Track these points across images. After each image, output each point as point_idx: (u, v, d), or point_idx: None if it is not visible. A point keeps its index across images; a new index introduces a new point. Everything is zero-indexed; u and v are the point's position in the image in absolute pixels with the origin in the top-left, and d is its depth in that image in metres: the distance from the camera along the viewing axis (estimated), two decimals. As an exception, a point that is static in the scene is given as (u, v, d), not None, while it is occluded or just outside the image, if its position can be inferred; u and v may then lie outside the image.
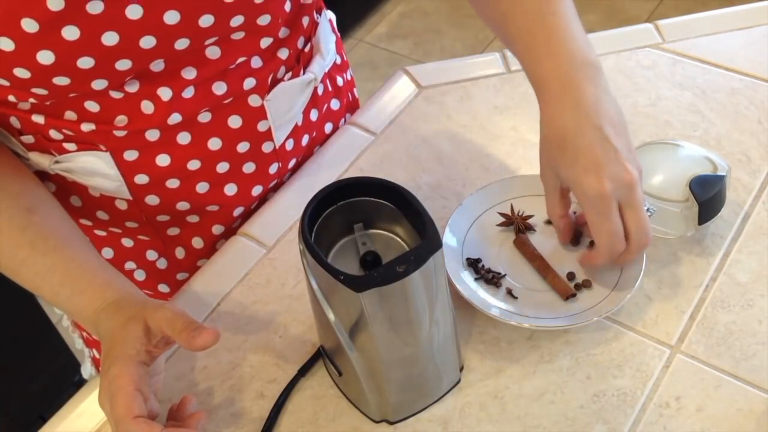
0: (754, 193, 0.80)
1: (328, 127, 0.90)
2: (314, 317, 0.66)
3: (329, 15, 0.87)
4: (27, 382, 1.63)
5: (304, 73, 0.79)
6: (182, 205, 0.78)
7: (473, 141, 0.88)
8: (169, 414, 0.65)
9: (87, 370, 1.02)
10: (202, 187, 0.78)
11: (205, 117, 0.72)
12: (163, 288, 0.89)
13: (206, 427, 0.67)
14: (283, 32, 0.74)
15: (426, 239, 0.57)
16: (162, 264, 0.86)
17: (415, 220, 0.60)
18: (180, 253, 0.85)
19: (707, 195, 0.72)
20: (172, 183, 0.76)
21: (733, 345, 0.69)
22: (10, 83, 0.61)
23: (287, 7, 0.72)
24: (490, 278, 0.73)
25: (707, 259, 0.75)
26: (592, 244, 0.73)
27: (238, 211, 0.83)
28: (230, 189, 0.80)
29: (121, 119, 0.68)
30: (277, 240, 0.81)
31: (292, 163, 0.85)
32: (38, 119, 0.69)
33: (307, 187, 0.84)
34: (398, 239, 0.63)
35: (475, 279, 0.73)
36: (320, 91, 0.85)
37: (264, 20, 0.69)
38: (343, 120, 0.93)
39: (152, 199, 0.77)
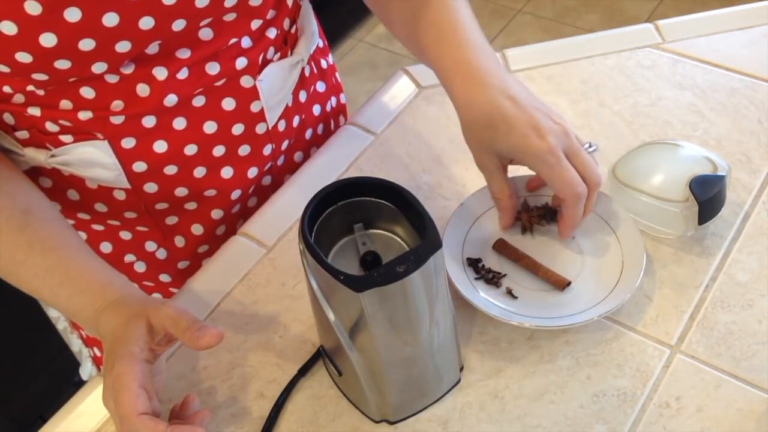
0: (754, 193, 0.80)
1: (316, 109, 0.91)
2: (314, 317, 0.66)
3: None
4: (27, 382, 1.63)
5: (291, 54, 0.80)
6: (181, 191, 0.79)
7: (473, 141, 0.88)
8: (172, 413, 0.65)
9: (87, 370, 1.02)
10: (199, 172, 0.78)
11: (199, 101, 0.73)
12: (164, 278, 0.89)
13: (206, 426, 0.67)
14: (270, 13, 0.75)
15: (426, 239, 0.57)
16: (162, 254, 0.86)
17: (415, 220, 0.60)
18: (179, 241, 0.85)
19: (707, 195, 0.73)
20: (170, 169, 0.76)
21: (733, 345, 0.69)
22: (11, 69, 0.61)
23: None
24: (490, 278, 0.73)
25: (707, 259, 0.75)
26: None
27: (235, 195, 0.83)
28: (227, 172, 0.80)
29: (118, 104, 0.69)
30: (277, 240, 0.81)
31: (284, 145, 0.85)
32: (34, 111, 0.69)
33: (307, 187, 0.84)
34: (398, 239, 0.63)
35: (475, 279, 0.73)
36: (307, 73, 0.86)
37: (256, 1, 0.70)
38: (329, 103, 0.94)
39: (151, 187, 0.77)
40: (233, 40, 0.72)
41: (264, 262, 0.79)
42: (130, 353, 0.60)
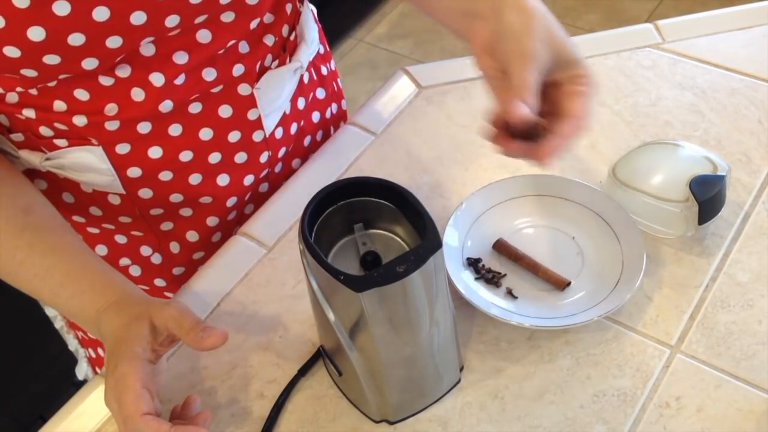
0: (754, 193, 0.80)
1: (315, 116, 0.90)
2: (314, 317, 0.66)
3: (311, 6, 0.87)
4: (27, 382, 1.63)
5: (290, 61, 0.80)
6: (175, 198, 0.78)
7: (473, 141, 0.88)
8: (173, 414, 0.65)
9: (82, 370, 1.02)
10: (194, 179, 0.78)
11: (195, 107, 0.73)
12: (159, 282, 0.89)
13: (209, 427, 0.67)
14: (268, 17, 0.75)
15: (426, 239, 0.57)
16: (156, 259, 0.86)
17: (415, 220, 0.60)
18: (174, 247, 0.85)
19: (707, 195, 0.72)
20: (165, 175, 0.76)
21: (733, 345, 0.69)
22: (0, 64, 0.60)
23: None
24: (490, 278, 0.73)
25: (707, 259, 0.75)
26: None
27: (231, 202, 0.83)
28: (223, 179, 0.80)
29: (111, 107, 0.68)
30: (277, 240, 0.81)
31: (282, 152, 0.85)
32: (29, 113, 0.69)
33: (307, 187, 0.84)
34: (398, 239, 0.63)
35: (475, 279, 0.73)
36: (306, 80, 0.86)
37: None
38: (329, 110, 0.93)
39: (145, 193, 0.77)
40: (231, 42, 0.71)
41: (264, 262, 0.79)
42: (134, 354, 0.60)
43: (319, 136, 0.92)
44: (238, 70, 0.73)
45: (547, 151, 0.62)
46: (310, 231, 0.59)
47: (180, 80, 0.69)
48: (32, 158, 0.73)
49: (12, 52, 0.59)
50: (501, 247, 0.75)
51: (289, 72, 0.79)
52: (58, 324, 0.99)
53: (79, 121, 0.69)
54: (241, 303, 0.76)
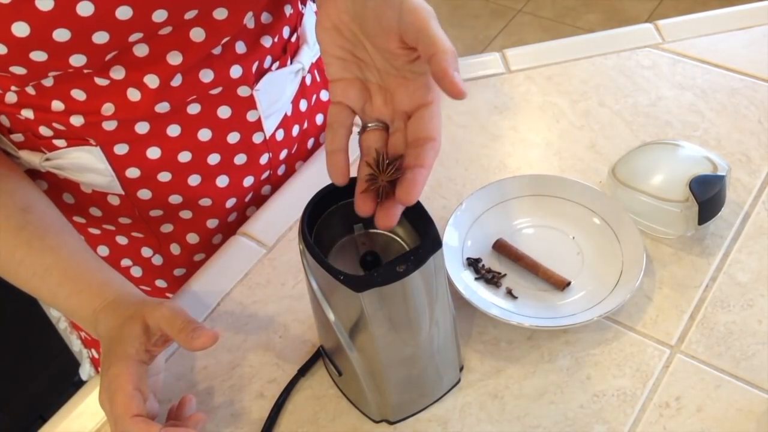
0: (754, 193, 0.80)
1: (319, 119, 0.90)
2: (314, 317, 0.66)
3: (315, 7, 0.87)
4: (27, 382, 1.63)
5: (291, 63, 0.79)
6: (175, 199, 0.78)
7: (473, 141, 0.88)
8: (169, 414, 0.65)
9: (86, 371, 1.02)
10: (193, 180, 0.78)
11: (194, 108, 0.72)
12: (160, 283, 0.89)
13: (206, 427, 0.67)
14: (265, 17, 0.74)
15: (426, 239, 0.57)
16: (157, 260, 0.86)
17: (415, 220, 0.60)
18: (175, 249, 0.85)
19: (707, 195, 0.72)
20: (164, 176, 0.76)
21: (733, 345, 0.69)
22: None
23: None
24: (490, 278, 0.73)
25: (707, 259, 0.75)
26: None
27: (230, 203, 0.83)
28: (222, 181, 0.80)
29: (108, 107, 0.68)
30: (277, 240, 0.81)
31: (283, 154, 0.85)
32: (27, 114, 0.69)
33: (307, 187, 0.83)
34: (398, 239, 0.63)
35: (475, 279, 0.73)
36: (308, 81, 0.85)
37: None
38: None
39: (144, 193, 0.77)
40: (225, 40, 0.70)
41: (264, 262, 0.79)
42: (126, 354, 0.60)
43: (322, 138, 0.92)
44: (235, 71, 0.72)
45: (415, 187, 0.54)
46: (310, 231, 0.59)
47: (176, 82, 0.69)
48: (32, 159, 0.73)
49: None
50: (501, 247, 0.75)
51: (290, 74, 0.79)
52: (62, 325, 0.99)
53: (77, 121, 0.69)
54: (241, 303, 0.76)
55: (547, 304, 0.71)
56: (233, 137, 0.77)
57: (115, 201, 0.78)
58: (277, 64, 0.77)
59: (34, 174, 0.76)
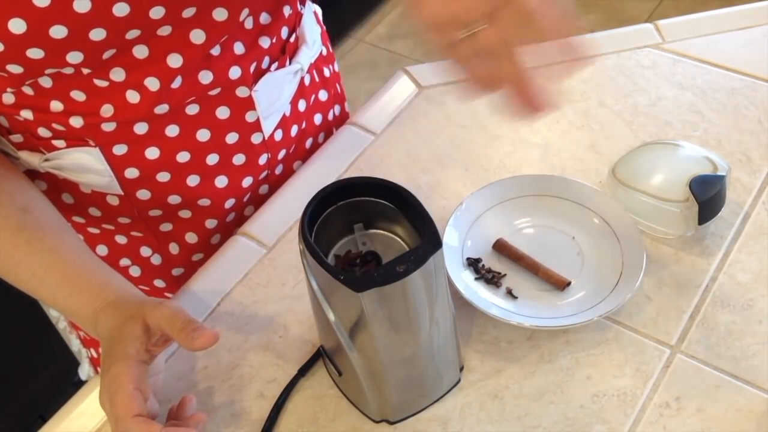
0: (754, 193, 0.80)
1: (317, 119, 0.90)
2: (314, 317, 0.66)
3: (314, 7, 0.87)
4: (27, 382, 1.63)
5: (290, 64, 0.79)
6: (173, 199, 0.78)
7: (473, 141, 0.88)
8: (169, 414, 0.65)
9: (85, 370, 1.02)
10: (192, 180, 0.78)
11: (192, 109, 0.72)
12: (158, 283, 0.89)
13: (206, 427, 0.67)
14: (264, 18, 0.74)
15: (426, 239, 0.57)
16: (156, 260, 0.86)
17: (415, 220, 0.60)
18: (174, 248, 0.85)
19: (707, 195, 0.72)
20: (163, 176, 0.76)
21: (733, 345, 0.69)
22: None
23: None
24: (490, 278, 0.73)
25: (707, 259, 0.75)
26: None
27: (229, 203, 0.83)
28: (221, 181, 0.80)
29: (107, 109, 0.68)
30: (277, 240, 0.81)
31: (281, 154, 0.85)
32: (26, 114, 0.68)
33: (307, 187, 0.83)
34: (398, 239, 0.63)
35: (475, 279, 0.73)
36: (307, 82, 0.85)
37: None
38: (332, 111, 0.93)
39: (143, 194, 0.77)
40: (224, 38, 0.70)
41: (264, 262, 0.79)
42: (127, 354, 0.60)
43: (320, 138, 0.92)
44: (234, 72, 0.72)
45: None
46: (310, 231, 0.59)
47: (176, 84, 0.69)
48: (31, 159, 0.73)
49: None
50: (501, 247, 0.75)
51: (289, 74, 0.79)
52: (62, 325, 1.00)
53: (76, 122, 0.69)
54: (241, 303, 0.76)
55: (547, 304, 0.71)
56: (232, 138, 0.77)
57: (114, 201, 0.78)
58: (276, 64, 0.77)
59: (33, 174, 0.76)
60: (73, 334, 0.99)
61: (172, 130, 0.73)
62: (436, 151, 0.88)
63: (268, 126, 0.79)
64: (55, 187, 0.78)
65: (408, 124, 0.91)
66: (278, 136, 0.82)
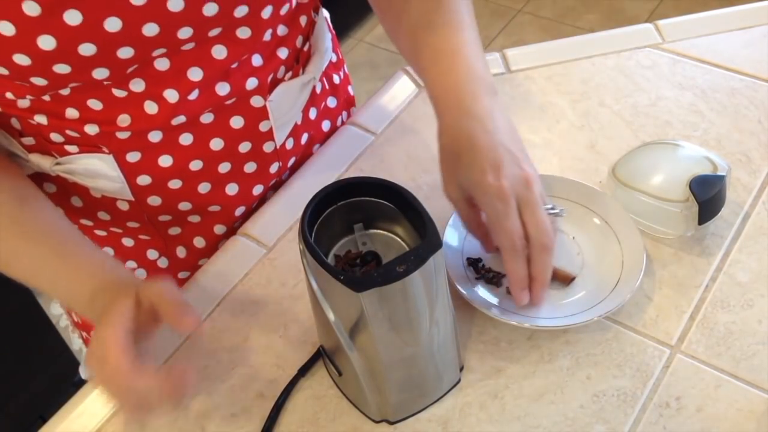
0: (754, 193, 0.80)
1: (325, 125, 0.90)
2: (314, 317, 0.66)
3: (325, 13, 0.87)
4: (27, 382, 1.63)
5: (303, 73, 0.79)
6: (184, 206, 0.78)
7: (473, 141, 0.88)
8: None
9: (86, 369, 1.02)
10: (203, 188, 0.78)
11: (207, 118, 0.72)
12: None
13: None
14: (281, 30, 0.74)
15: (426, 239, 0.57)
16: (163, 263, 0.86)
17: (415, 220, 0.60)
18: (181, 252, 0.85)
19: (707, 195, 0.72)
20: (174, 183, 0.76)
21: (733, 345, 0.69)
22: (9, 71, 0.60)
23: (285, 8, 0.72)
24: (490, 278, 0.73)
25: (707, 259, 0.75)
26: None
27: (239, 211, 0.83)
28: (231, 189, 0.80)
29: (124, 118, 0.68)
30: (277, 240, 0.81)
31: (291, 162, 0.85)
32: (40, 119, 0.69)
33: (307, 187, 0.84)
34: (398, 239, 0.63)
35: (475, 279, 0.73)
36: (318, 90, 0.86)
37: (266, 12, 0.69)
38: (340, 118, 0.93)
39: (154, 200, 0.77)
40: (245, 56, 0.71)
41: (264, 262, 0.79)
42: (114, 321, 0.59)
43: (328, 142, 0.92)
44: (251, 83, 0.73)
45: (514, 296, 0.67)
46: (310, 231, 0.59)
47: (194, 95, 0.69)
48: (42, 162, 0.73)
49: (22, 60, 0.59)
50: None
51: (302, 84, 0.79)
52: (63, 323, 1.00)
53: (91, 129, 0.69)
54: (241, 303, 0.76)
55: (547, 304, 0.71)
56: (245, 146, 0.77)
57: (124, 206, 0.78)
58: (290, 74, 0.78)
59: (42, 177, 0.76)
60: (75, 333, 0.99)
61: (186, 139, 0.73)
62: (436, 151, 0.87)
63: (281, 135, 0.79)
64: (65, 190, 0.78)
65: (408, 124, 0.91)
66: (289, 144, 0.82)
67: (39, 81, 0.62)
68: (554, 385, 0.68)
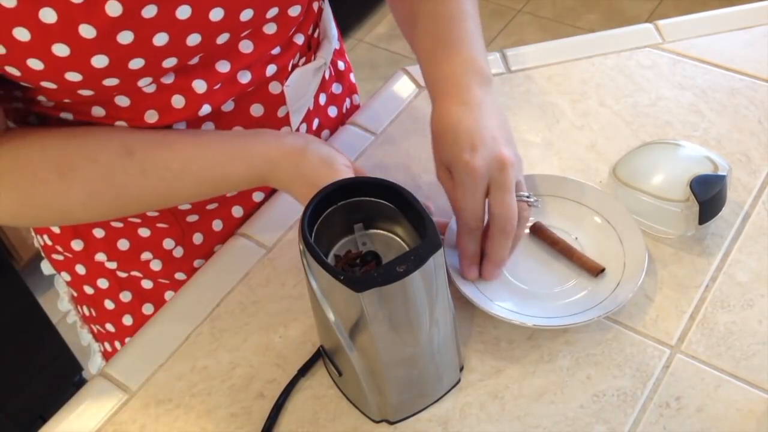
0: (754, 193, 0.80)
1: (332, 111, 0.91)
2: (314, 317, 0.66)
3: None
4: (27, 382, 1.63)
5: (315, 59, 0.81)
6: None
7: (473, 141, 0.88)
8: None
9: (96, 364, 1.02)
10: None
11: (228, 106, 0.73)
12: (179, 276, 0.89)
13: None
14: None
15: (426, 239, 0.57)
16: (178, 252, 0.86)
17: (415, 220, 0.60)
18: (198, 238, 0.85)
19: (708, 195, 0.72)
20: None
21: (733, 345, 0.69)
22: (58, 86, 0.61)
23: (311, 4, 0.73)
24: (490, 278, 0.73)
25: (707, 259, 0.75)
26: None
27: (258, 197, 0.84)
28: None
29: (152, 114, 0.69)
30: (277, 240, 0.81)
31: None
32: (66, 116, 0.69)
33: (307, 187, 0.84)
34: (398, 239, 0.63)
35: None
36: (326, 76, 0.87)
37: (294, 11, 0.70)
38: (344, 105, 0.94)
39: None
40: (271, 50, 0.72)
41: (264, 262, 0.79)
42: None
43: (336, 129, 0.93)
44: (270, 70, 0.74)
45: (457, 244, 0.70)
46: (310, 231, 0.59)
47: (219, 86, 0.70)
48: None
49: (74, 77, 0.60)
50: (538, 231, 0.75)
51: (315, 69, 0.80)
52: (71, 319, 1.00)
53: (119, 125, 0.69)
54: (241, 303, 0.76)
55: (548, 303, 0.71)
56: None
57: None
58: (303, 60, 0.79)
59: None
60: (85, 328, 0.99)
61: (207, 127, 0.74)
62: (436, 151, 0.88)
63: (296, 120, 0.81)
64: None
65: (408, 124, 0.91)
66: (303, 129, 0.84)
67: (86, 92, 0.63)
68: (554, 385, 0.68)
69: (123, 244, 0.84)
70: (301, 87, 0.79)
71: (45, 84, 0.61)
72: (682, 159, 0.77)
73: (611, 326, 0.71)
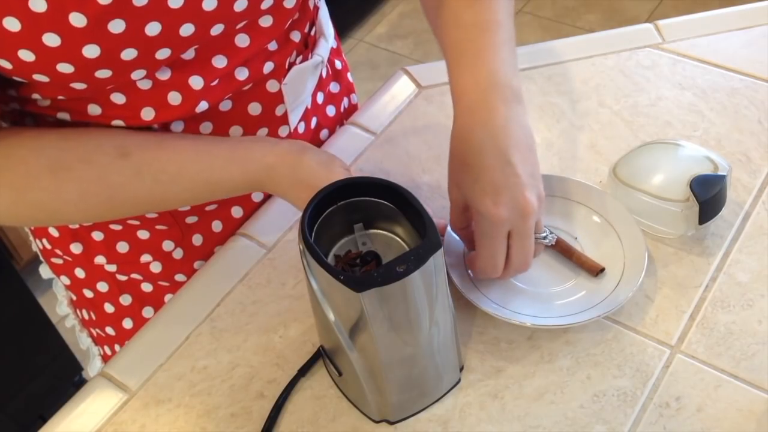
0: (754, 193, 0.80)
1: (330, 110, 0.91)
2: (314, 317, 0.66)
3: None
4: (27, 382, 1.63)
5: (311, 57, 0.81)
6: None
7: (473, 141, 0.88)
8: None
9: (95, 367, 1.01)
10: None
11: (226, 105, 0.73)
12: (180, 277, 0.89)
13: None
14: (295, 15, 0.75)
15: (426, 239, 0.57)
16: (178, 254, 0.86)
17: (415, 220, 0.60)
18: (197, 240, 0.85)
19: (708, 195, 0.72)
20: None
21: (733, 345, 0.69)
22: (51, 79, 0.61)
23: None
24: (490, 278, 0.73)
25: (707, 259, 0.75)
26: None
27: (258, 197, 0.84)
28: None
29: (148, 111, 0.68)
30: (277, 240, 0.81)
31: None
32: (63, 116, 0.69)
33: (307, 187, 0.84)
34: (398, 239, 0.63)
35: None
36: (324, 74, 0.87)
37: (289, 2, 0.70)
38: (342, 104, 0.94)
39: None
40: (266, 44, 0.72)
41: (264, 262, 0.79)
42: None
43: (335, 129, 0.93)
44: (268, 67, 0.74)
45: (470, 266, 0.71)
46: (310, 231, 0.59)
47: (216, 82, 0.70)
48: None
49: (65, 68, 0.60)
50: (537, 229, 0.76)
51: (312, 67, 0.80)
52: (70, 323, 0.99)
53: (116, 124, 0.69)
54: (241, 303, 0.76)
55: (548, 303, 0.71)
56: (262, 132, 0.78)
57: None
58: (300, 57, 0.79)
59: None
60: (84, 332, 0.99)
61: (205, 128, 0.73)
62: (436, 151, 0.88)
63: (294, 119, 0.80)
64: None
65: (408, 124, 0.91)
66: (301, 128, 0.83)
67: (79, 86, 0.63)
68: (554, 385, 0.68)
69: (122, 247, 0.84)
70: (298, 85, 0.78)
71: (37, 77, 0.61)
72: (682, 159, 0.77)
73: (611, 326, 0.71)
